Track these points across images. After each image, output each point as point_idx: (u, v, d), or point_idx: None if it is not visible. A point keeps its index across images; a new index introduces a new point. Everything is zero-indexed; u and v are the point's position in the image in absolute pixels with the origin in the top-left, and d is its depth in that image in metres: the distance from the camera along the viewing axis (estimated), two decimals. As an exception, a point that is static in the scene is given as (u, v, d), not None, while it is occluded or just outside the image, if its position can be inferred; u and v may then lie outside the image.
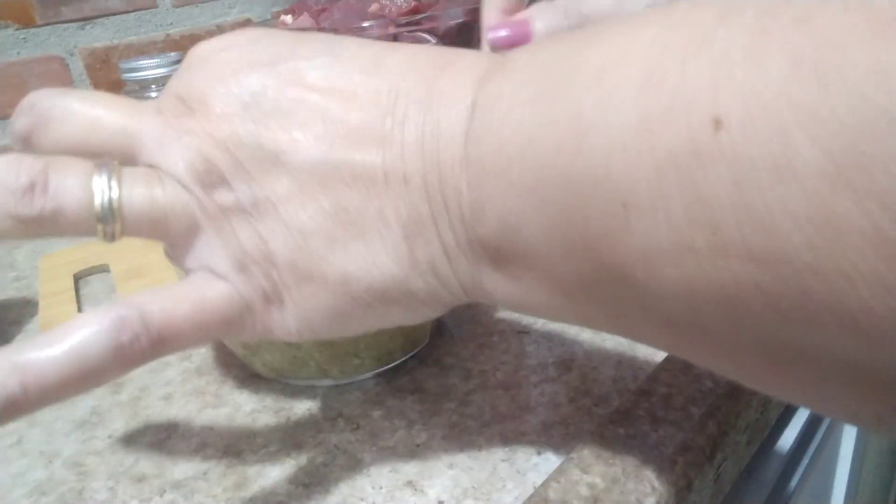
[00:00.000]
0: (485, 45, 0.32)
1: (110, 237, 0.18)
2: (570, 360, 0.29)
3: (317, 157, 0.18)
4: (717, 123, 0.12)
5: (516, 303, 0.19)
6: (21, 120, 0.20)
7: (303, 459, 0.25)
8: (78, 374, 0.17)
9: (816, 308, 0.12)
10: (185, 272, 0.20)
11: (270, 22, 0.46)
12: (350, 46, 0.20)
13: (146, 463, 0.26)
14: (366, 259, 0.19)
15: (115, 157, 0.19)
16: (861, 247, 0.11)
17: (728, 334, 0.14)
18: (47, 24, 0.61)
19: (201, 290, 0.19)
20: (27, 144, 0.20)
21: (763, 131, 0.11)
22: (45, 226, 0.18)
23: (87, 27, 0.64)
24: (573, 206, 0.15)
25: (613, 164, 0.14)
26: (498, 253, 0.18)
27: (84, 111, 0.20)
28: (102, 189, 0.18)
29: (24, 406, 0.16)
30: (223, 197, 0.19)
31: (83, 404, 0.30)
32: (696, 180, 0.12)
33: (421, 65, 0.19)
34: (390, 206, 0.18)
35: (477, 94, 0.18)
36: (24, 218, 0.17)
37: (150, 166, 0.19)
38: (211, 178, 0.18)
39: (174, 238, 0.19)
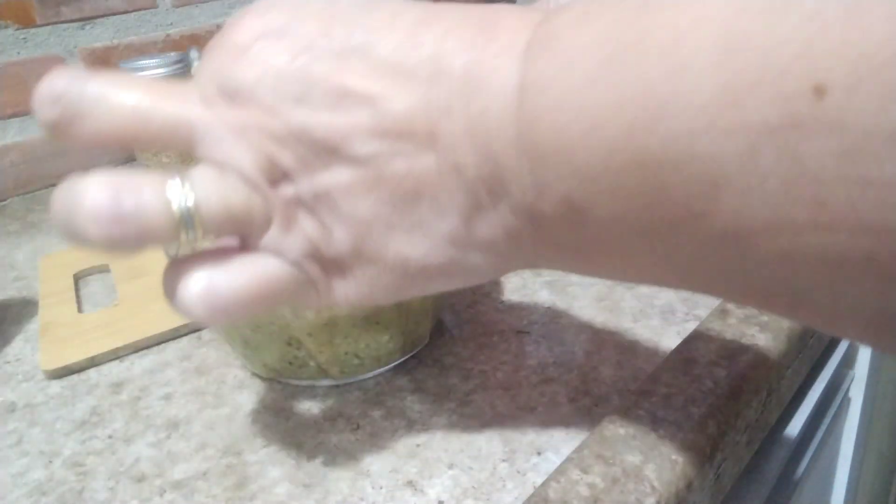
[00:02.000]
0: None
1: (192, 244, 0.19)
2: (570, 360, 0.29)
3: (370, 151, 0.18)
4: (819, 91, 0.11)
5: (580, 271, 0.20)
6: (47, 111, 0.19)
7: (303, 459, 0.25)
8: None
9: None
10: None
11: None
12: (384, 19, 0.19)
13: (146, 463, 0.26)
14: (424, 243, 0.19)
15: (164, 147, 0.20)
16: None
17: (824, 298, 0.14)
18: (47, 24, 0.61)
19: (270, 271, 0.20)
20: (59, 135, 0.19)
21: (875, 97, 0.11)
22: (129, 245, 0.18)
23: (87, 27, 0.64)
24: (651, 188, 0.15)
25: (698, 145, 0.13)
26: (564, 234, 0.18)
27: (123, 102, 0.19)
28: (178, 198, 0.18)
29: None
30: (287, 191, 0.19)
31: (83, 404, 0.30)
32: (799, 154, 0.12)
33: (462, 40, 0.18)
34: (445, 194, 0.18)
35: (524, 73, 0.17)
36: (111, 242, 0.18)
37: (212, 162, 0.19)
38: (275, 175, 0.19)
39: (246, 233, 0.20)
